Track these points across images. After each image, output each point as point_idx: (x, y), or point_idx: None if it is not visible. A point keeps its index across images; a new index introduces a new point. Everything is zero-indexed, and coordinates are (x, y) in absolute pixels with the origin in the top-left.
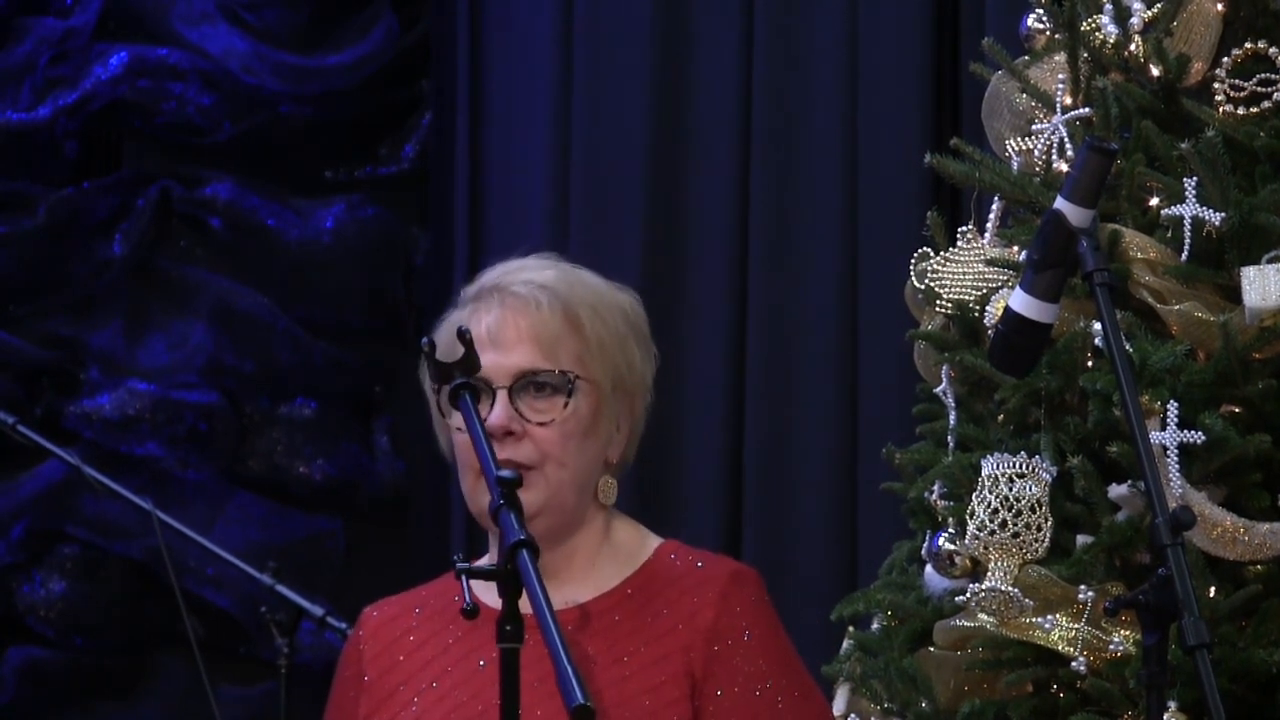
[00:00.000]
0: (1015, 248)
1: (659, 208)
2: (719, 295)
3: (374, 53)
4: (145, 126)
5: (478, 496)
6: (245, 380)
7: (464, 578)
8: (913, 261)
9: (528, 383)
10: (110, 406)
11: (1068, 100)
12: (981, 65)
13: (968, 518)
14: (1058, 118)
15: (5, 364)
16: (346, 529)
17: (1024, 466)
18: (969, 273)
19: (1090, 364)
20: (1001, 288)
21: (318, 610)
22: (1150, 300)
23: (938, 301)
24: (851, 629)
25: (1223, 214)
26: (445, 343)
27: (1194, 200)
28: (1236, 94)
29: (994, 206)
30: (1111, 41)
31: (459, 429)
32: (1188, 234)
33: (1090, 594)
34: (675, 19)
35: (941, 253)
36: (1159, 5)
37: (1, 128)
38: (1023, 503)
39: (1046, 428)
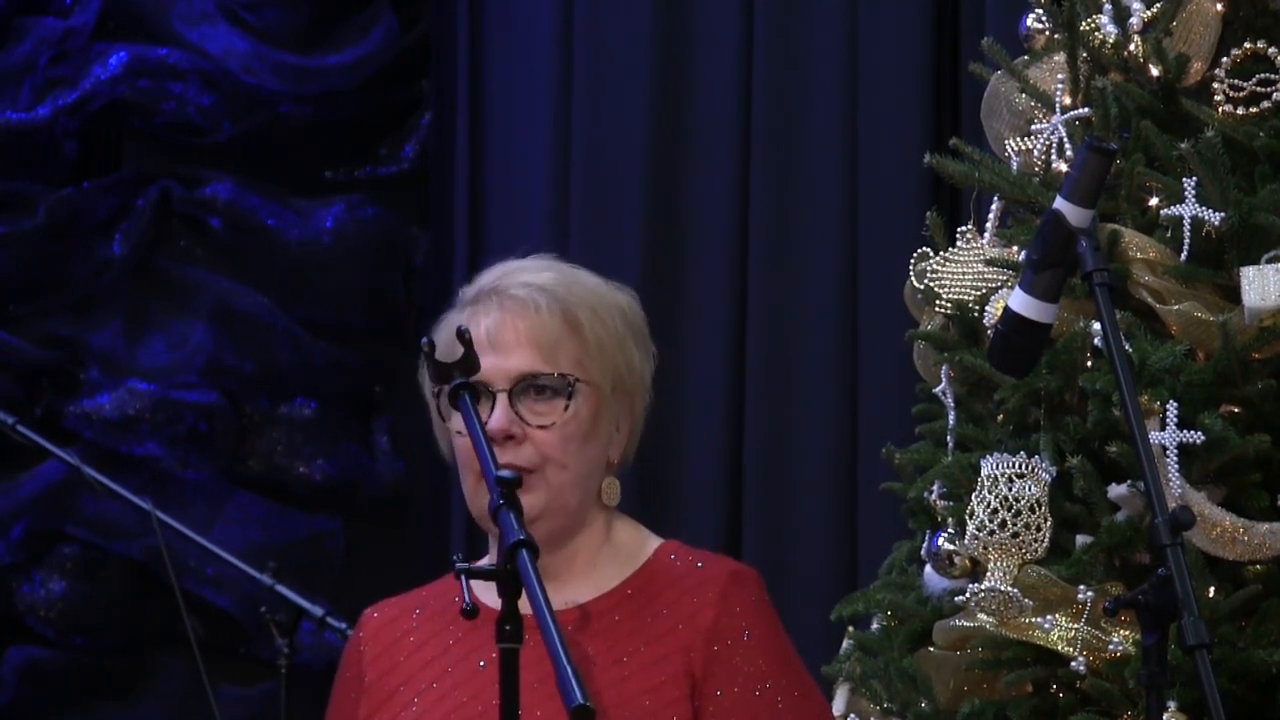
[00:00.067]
0: (1015, 248)
1: (659, 208)
2: (719, 295)
3: (374, 53)
4: (145, 126)
5: (479, 499)
6: (245, 380)
7: (464, 578)
8: (912, 261)
9: (528, 386)
10: (110, 406)
11: (1067, 100)
12: (981, 65)
13: (967, 518)
14: (1057, 118)
15: (5, 364)
16: (346, 529)
17: (1023, 466)
18: (968, 273)
19: (1090, 364)
20: (1001, 288)
21: (318, 610)
22: (1150, 300)
23: (937, 301)
24: (851, 629)
25: (1222, 214)
26: (444, 343)
27: (1193, 200)
28: (1236, 94)
29: (993, 206)
30: (1111, 41)
31: (459, 432)
32: (1187, 234)
33: (1090, 594)
34: (675, 19)
35: (941, 253)
36: (1158, 5)
37: (1, 128)
38: (1022, 503)
39: (1046, 428)
